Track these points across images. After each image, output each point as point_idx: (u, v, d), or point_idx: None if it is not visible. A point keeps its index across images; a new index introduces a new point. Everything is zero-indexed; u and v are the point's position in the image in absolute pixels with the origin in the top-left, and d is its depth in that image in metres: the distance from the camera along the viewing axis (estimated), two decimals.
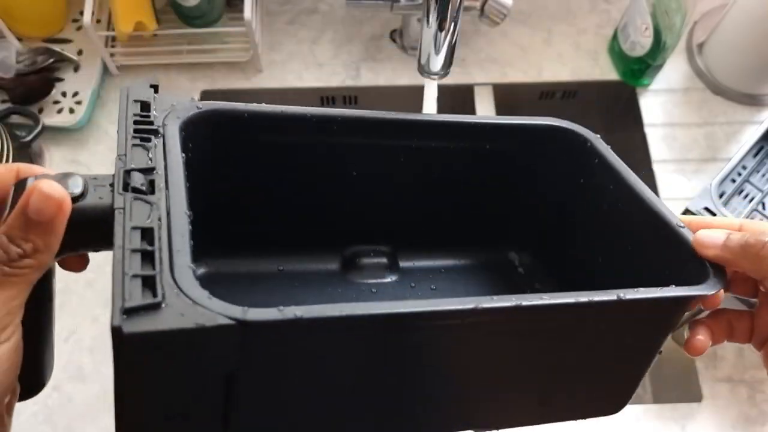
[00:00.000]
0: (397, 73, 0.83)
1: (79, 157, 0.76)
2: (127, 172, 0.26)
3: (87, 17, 0.73)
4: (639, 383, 0.36)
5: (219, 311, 0.22)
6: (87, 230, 0.25)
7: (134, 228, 0.24)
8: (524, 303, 0.28)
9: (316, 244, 0.42)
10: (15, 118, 0.73)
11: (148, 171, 0.27)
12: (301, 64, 0.83)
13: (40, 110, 0.76)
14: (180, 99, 0.32)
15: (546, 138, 0.41)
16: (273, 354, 0.25)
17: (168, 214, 0.25)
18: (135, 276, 0.22)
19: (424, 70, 0.52)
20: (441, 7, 0.47)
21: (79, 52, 0.80)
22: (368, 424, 0.31)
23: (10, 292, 0.25)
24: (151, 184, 0.27)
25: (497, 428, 0.35)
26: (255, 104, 0.34)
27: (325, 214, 0.41)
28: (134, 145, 0.28)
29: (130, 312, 0.21)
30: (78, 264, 0.32)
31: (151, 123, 0.29)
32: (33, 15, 0.80)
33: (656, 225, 0.35)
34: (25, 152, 0.70)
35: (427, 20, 0.48)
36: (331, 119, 0.36)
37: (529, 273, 0.46)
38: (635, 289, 0.30)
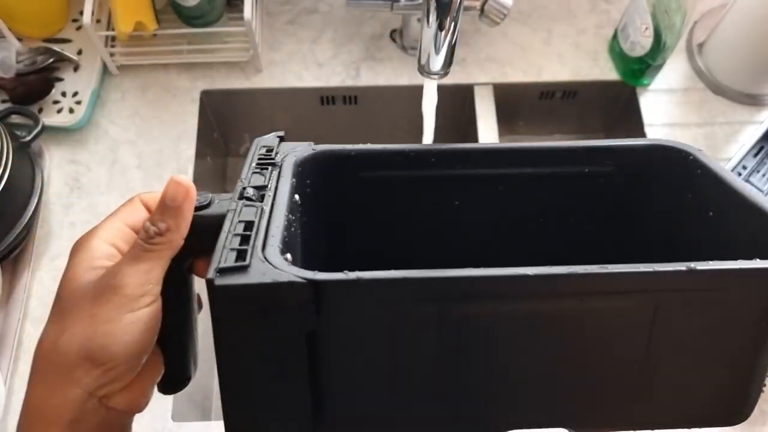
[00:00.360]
0: (397, 73, 0.83)
1: (79, 157, 0.77)
2: (244, 188, 0.33)
3: (87, 17, 0.73)
4: (758, 385, 0.32)
5: (294, 272, 0.26)
6: (211, 235, 0.29)
7: (240, 221, 0.30)
8: (577, 271, 0.27)
9: None
10: (15, 118, 0.73)
11: (261, 188, 0.33)
12: (301, 64, 0.83)
13: (40, 110, 0.76)
14: (300, 144, 0.37)
15: (649, 157, 0.41)
16: (348, 320, 0.28)
17: (270, 212, 0.31)
18: (232, 249, 0.28)
19: (424, 70, 0.53)
20: (441, 7, 0.47)
21: (79, 52, 0.80)
22: (446, 407, 0.31)
23: (148, 264, 0.31)
24: (262, 196, 0.32)
25: (588, 429, 0.33)
26: (361, 144, 0.38)
27: (435, 244, 0.43)
28: (254, 172, 0.34)
29: (222, 271, 0.26)
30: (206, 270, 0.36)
31: (273, 158, 0.36)
32: (33, 15, 0.80)
33: (759, 218, 0.33)
34: (25, 152, 0.70)
35: (427, 20, 0.48)
36: (427, 152, 0.39)
37: None
38: (708, 262, 0.28)
